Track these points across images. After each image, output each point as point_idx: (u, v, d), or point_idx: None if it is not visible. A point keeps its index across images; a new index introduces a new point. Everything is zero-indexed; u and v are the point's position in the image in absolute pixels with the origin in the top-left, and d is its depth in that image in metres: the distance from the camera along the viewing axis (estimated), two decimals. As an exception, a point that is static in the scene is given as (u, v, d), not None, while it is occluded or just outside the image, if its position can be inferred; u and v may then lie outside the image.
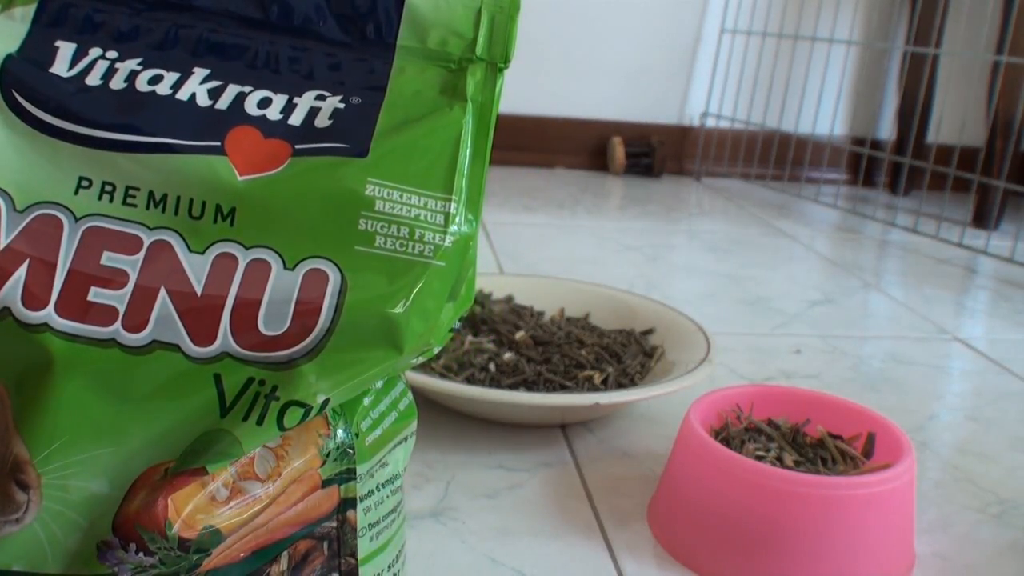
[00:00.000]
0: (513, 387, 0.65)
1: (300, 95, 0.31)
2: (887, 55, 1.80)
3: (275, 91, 0.31)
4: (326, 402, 0.29)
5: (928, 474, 0.64)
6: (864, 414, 0.56)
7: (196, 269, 0.29)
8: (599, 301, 0.79)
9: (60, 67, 0.31)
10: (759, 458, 0.53)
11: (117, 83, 0.31)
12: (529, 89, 1.75)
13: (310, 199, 0.30)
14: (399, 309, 0.29)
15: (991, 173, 1.48)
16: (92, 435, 0.28)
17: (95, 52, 0.31)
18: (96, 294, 0.29)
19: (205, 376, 0.28)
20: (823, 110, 1.75)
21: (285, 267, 0.29)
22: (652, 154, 1.74)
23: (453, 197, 0.30)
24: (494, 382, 0.66)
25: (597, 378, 0.67)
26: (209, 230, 0.29)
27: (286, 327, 0.29)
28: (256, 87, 0.31)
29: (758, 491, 0.48)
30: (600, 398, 0.61)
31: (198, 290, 0.29)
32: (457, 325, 0.34)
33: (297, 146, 0.30)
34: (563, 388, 0.66)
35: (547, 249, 1.17)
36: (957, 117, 1.58)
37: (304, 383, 0.29)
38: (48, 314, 0.28)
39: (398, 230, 0.30)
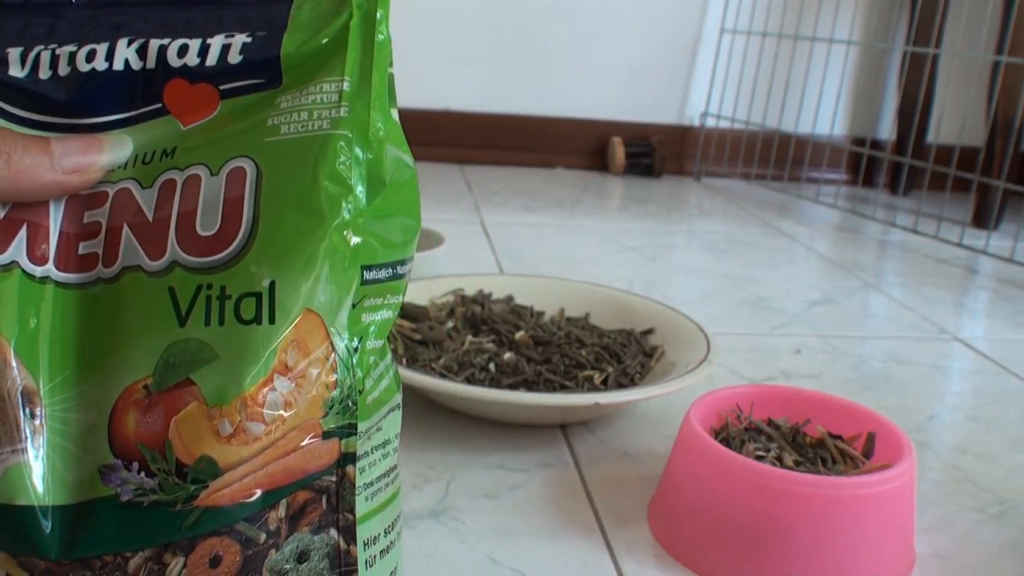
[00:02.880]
0: (513, 387, 0.65)
1: (212, 37, 0.35)
2: (887, 55, 1.80)
3: (190, 38, 0.35)
4: (273, 284, 0.31)
5: (928, 474, 0.64)
6: (864, 414, 0.56)
7: (147, 200, 0.33)
8: (599, 301, 0.79)
9: (15, 70, 0.35)
10: (759, 458, 0.53)
11: (63, 69, 0.34)
12: (529, 89, 1.75)
13: (235, 126, 0.34)
14: (308, 176, 0.32)
15: (991, 173, 1.48)
16: (88, 369, 0.31)
17: (37, 47, 0.35)
18: (83, 247, 0.33)
19: (161, 290, 0.32)
20: (823, 110, 1.75)
21: (212, 174, 0.33)
22: (652, 154, 1.74)
23: (345, 77, 0.34)
24: (494, 382, 0.66)
25: (597, 378, 0.67)
26: (156, 167, 0.34)
27: (218, 225, 0.32)
28: (173, 38, 0.35)
29: (758, 491, 0.48)
30: (600, 398, 0.61)
31: (150, 217, 0.33)
32: (408, 259, 0.36)
33: (221, 87, 0.34)
34: (563, 388, 0.66)
35: (547, 249, 1.17)
36: (957, 117, 1.58)
37: (247, 274, 0.31)
38: (49, 269, 0.32)
39: (299, 116, 0.33)
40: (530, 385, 0.66)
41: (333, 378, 0.32)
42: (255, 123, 0.34)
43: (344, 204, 0.33)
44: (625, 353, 0.71)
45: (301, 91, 0.34)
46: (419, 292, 0.77)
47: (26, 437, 0.30)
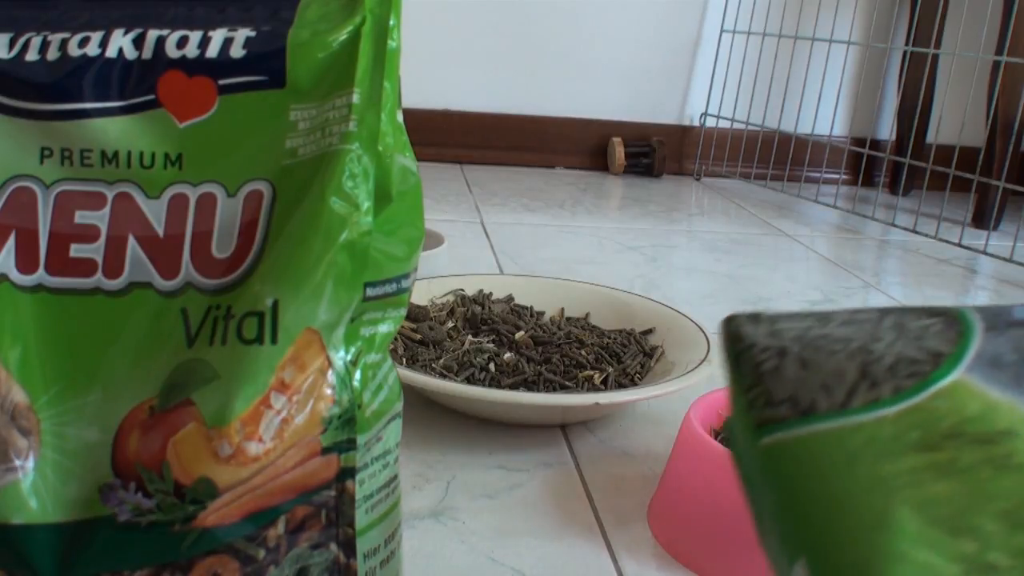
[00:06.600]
0: (513, 387, 0.65)
1: (214, 30, 0.34)
2: (887, 55, 1.80)
3: (190, 29, 0.34)
4: (276, 304, 0.31)
5: (928, 474, 0.64)
6: (864, 414, 0.56)
7: (155, 213, 0.32)
8: (599, 301, 0.79)
9: (1, 51, 0.33)
10: (759, 458, 0.53)
11: (52, 54, 0.33)
12: (529, 89, 1.75)
13: (244, 135, 0.33)
14: (315, 194, 0.32)
15: (991, 173, 1.48)
16: (85, 381, 0.31)
17: (29, 33, 0.34)
18: (76, 250, 0.32)
19: (174, 311, 0.31)
20: (823, 110, 1.75)
21: (228, 195, 0.32)
22: (652, 154, 1.74)
23: (355, 88, 0.33)
24: (494, 382, 0.66)
25: (597, 378, 0.67)
26: (161, 176, 0.32)
27: (233, 247, 0.32)
28: (173, 29, 0.34)
29: (758, 491, 0.48)
30: (600, 398, 0.61)
31: (160, 232, 0.32)
32: (411, 272, 0.36)
33: (220, 81, 0.33)
34: (563, 388, 0.66)
35: (547, 249, 1.17)
36: (957, 117, 1.58)
37: (251, 293, 0.31)
38: (41, 276, 0.32)
39: (313, 136, 0.33)
40: (530, 385, 0.66)
41: (331, 394, 0.32)
42: (272, 144, 0.33)
43: (350, 222, 0.32)
44: (625, 353, 0.71)
45: (318, 108, 0.33)
46: (419, 292, 0.77)
47: (20, 454, 0.30)
